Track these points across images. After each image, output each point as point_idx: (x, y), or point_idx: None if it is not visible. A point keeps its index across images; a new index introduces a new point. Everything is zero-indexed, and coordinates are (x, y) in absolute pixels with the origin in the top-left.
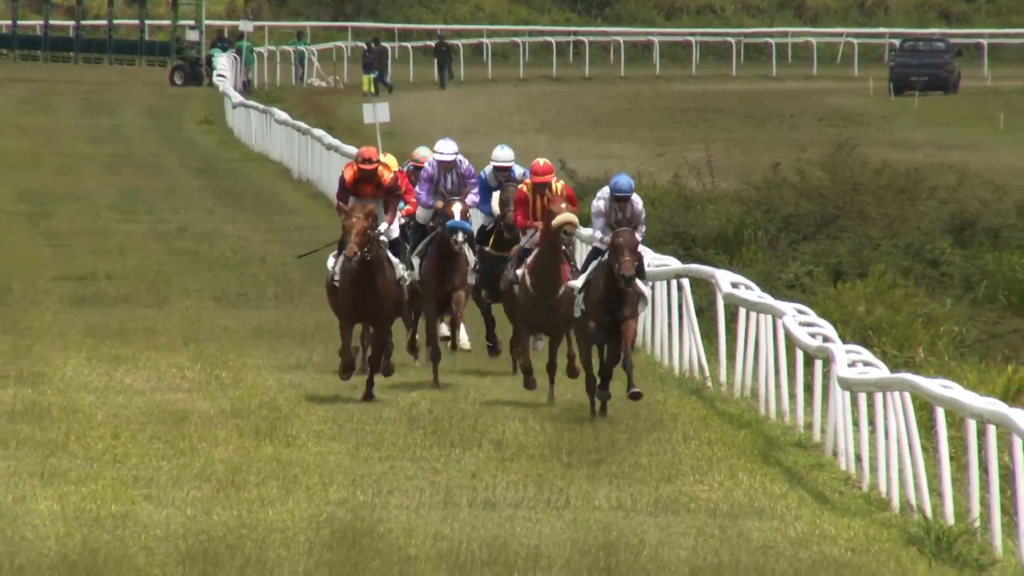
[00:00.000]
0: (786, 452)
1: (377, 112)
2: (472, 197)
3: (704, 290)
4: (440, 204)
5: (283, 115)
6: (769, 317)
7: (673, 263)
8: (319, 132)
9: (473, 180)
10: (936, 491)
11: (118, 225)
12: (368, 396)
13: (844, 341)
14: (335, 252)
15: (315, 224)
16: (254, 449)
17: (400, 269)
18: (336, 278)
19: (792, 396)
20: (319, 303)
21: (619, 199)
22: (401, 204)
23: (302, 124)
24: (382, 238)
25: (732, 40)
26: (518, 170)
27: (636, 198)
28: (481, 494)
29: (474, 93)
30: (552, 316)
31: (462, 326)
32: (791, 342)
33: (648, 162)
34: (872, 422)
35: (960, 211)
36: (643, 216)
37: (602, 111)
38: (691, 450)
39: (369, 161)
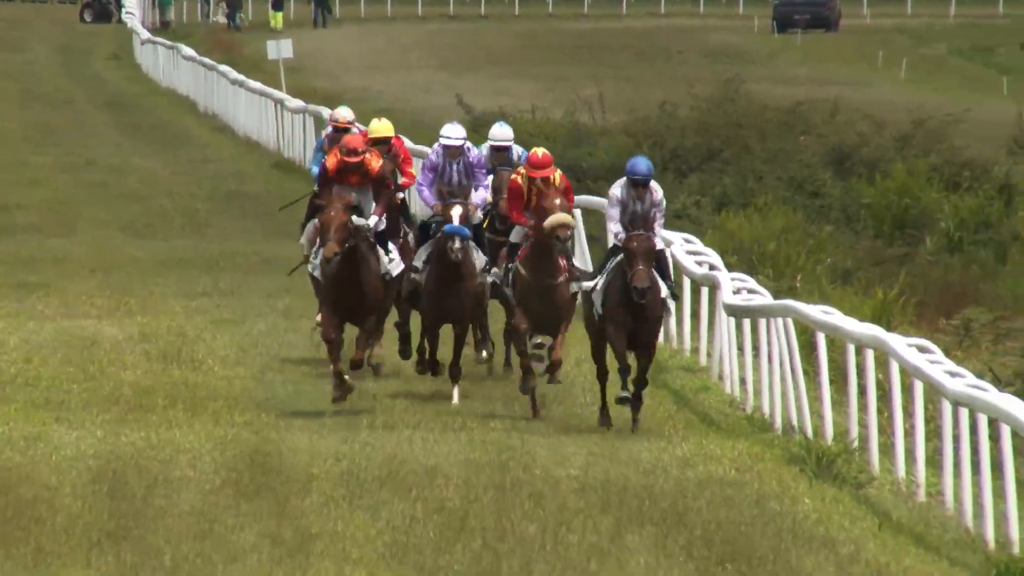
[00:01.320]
0: (673, 375)
1: (281, 48)
2: (478, 196)
3: (596, 219)
4: (439, 207)
5: (190, 51)
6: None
7: None
8: (224, 68)
9: (482, 170)
10: (817, 413)
11: (28, 158)
12: (339, 391)
13: (729, 269)
14: (315, 243)
15: (220, 157)
16: (162, 373)
17: (386, 263)
18: (316, 272)
19: (679, 321)
20: (224, 233)
21: (636, 183)
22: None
23: (208, 60)
24: (367, 224)
25: None
26: (516, 150)
27: (655, 185)
28: (380, 417)
29: (374, 30)
30: (551, 306)
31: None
32: (679, 270)
33: (541, 98)
34: (756, 347)
35: (839, 144)
36: (663, 206)
37: (498, 49)
38: (582, 374)
39: (355, 152)
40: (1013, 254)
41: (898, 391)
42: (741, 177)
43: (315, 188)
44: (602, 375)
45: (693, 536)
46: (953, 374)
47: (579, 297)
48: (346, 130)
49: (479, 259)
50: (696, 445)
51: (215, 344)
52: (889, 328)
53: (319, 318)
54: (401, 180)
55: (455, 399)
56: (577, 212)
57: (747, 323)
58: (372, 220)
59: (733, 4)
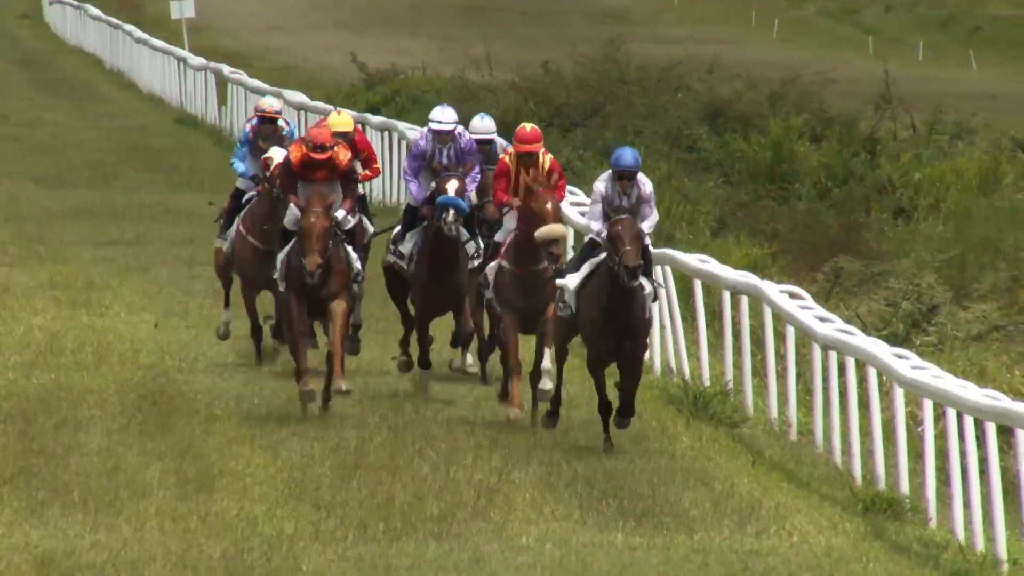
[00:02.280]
0: None
1: (183, 8)
2: (472, 180)
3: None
4: (427, 212)
5: (96, 11)
6: None
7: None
8: (129, 27)
9: (474, 157)
10: (694, 356)
11: None
12: (326, 398)
13: None
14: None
15: (126, 112)
16: (70, 318)
17: (354, 261)
18: (282, 282)
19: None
20: (130, 185)
21: (622, 176)
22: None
23: (113, 19)
24: (336, 219)
25: None
26: (500, 143)
27: (644, 179)
28: (280, 360)
29: None
30: (538, 295)
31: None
32: (564, 221)
33: (433, 57)
34: None
35: (713, 100)
36: (652, 201)
37: (393, 8)
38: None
39: (322, 148)
40: (876, 203)
41: (771, 336)
42: (622, 131)
43: (238, 185)
44: (603, 407)
45: (576, 473)
46: (823, 319)
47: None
48: (272, 121)
49: (470, 246)
50: (579, 387)
51: (121, 291)
52: (763, 276)
53: (223, 316)
54: (363, 173)
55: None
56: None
57: None
58: (340, 214)
59: None
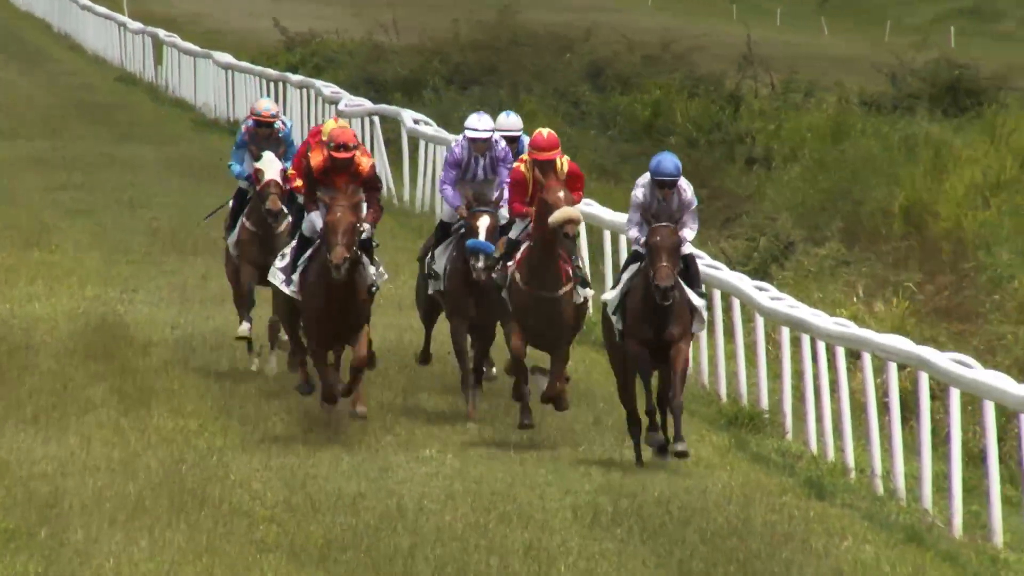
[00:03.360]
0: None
1: None
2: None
3: (392, 126)
4: (464, 211)
5: None
6: (443, 147)
7: (366, 104)
8: None
9: (508, 165)
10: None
11: None
12: (356, 413)
13: None
14: (290, 258)
15: (72, 71)
16: (24, 255)
17: (372, 273)
18: (294, 288)
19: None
20: (77, 136)
21: (662, 184)
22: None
23: None
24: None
25: None
26: (527, 140)
27: (685, 184)
28: (211, 292)
29: None
30: (551, 322)
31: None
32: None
33: (347, 22)
34: None
35: (595, 60)
36: (693, 207)
37: None
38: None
39: (344, 147)
40: (739, 152)
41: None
42: (514, 88)
43: (240, 186)
44: (634, 424)
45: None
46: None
47: (588, 307)
48: (268, 124)
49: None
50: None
51: (70, 231)
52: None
53: (244, 328)
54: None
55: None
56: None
57: None
58: (367, 227)
59: None
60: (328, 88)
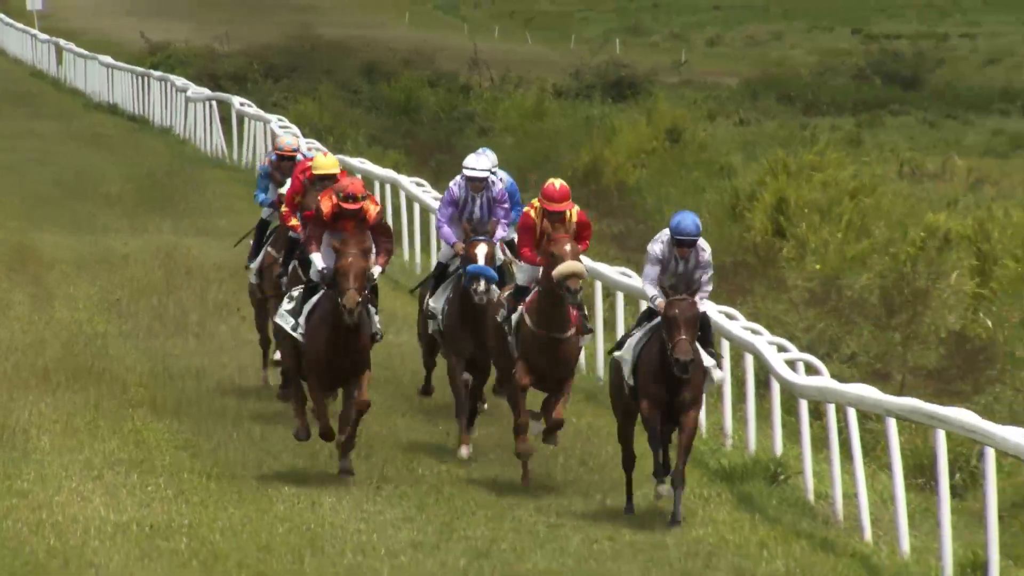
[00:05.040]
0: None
1: (35, 2)
2: (502, 231)
3: (225, 108)
4: (460, 247)
5: None
6: (261, 123)
7: (206, 92)
8: (1, 15)
9: (507, 205)
10: None
11: None
12: (345, 468)
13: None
14: (298, 301)
15: (2, 69)
16: None
17: (376, 320)
18: (301, 330)
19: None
20: (4, 114)
21: (681, 243)
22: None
23: None
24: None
25: None
26: (502, 177)
27: (703, 244)
28: (100, 225)
29: None
30: (556, 362)
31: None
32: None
33: (194, 34)
34: None
35: (368, 62)
36: (710, 270)
37: (171, 3)
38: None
39: (353, 198)
40: (469, 127)
41: (417, 226)
42: (311, 82)
43: (262, 216)
44: (628, 461)
45: None
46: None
47: (582, 356)
48: (291, 158)
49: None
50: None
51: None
52: (400, 172)
53: (277, 356)
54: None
55: (465, 453)
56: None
57: None
58: (376, 269)
59: None
60: (180, 81)
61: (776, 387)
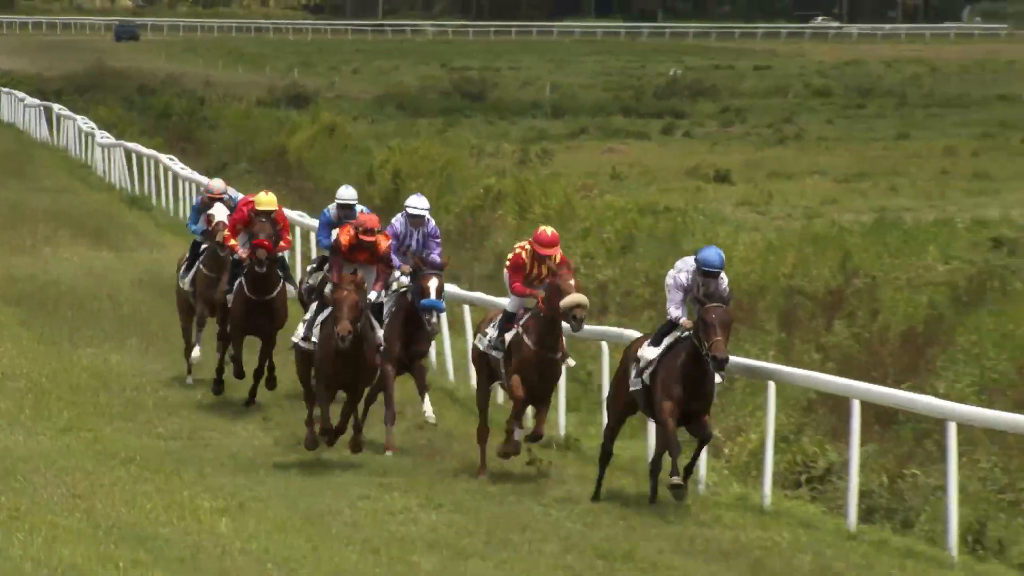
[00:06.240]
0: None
1: None
2: (436, 258)
3: (48, 112)
4: (408, 268)
5: None
6: (72, 121)
7: (37, 101)
8: None
9: (438, 239)
10: None
11: None
12: (312, 443)
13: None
14: (311, 317)
15: None
16: None
17: (380, 334)
18: (313, 340)
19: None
20: None
21: (707, 274)
22: (235, 236)
23: None
24: (370, 298)
25: None
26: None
27: (723, 275)
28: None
29: None
30: (545, 377)
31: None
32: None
33: (29, 66)
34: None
35: (140, 82)
36: (729, 296)
37: (31, 45)
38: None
39: (371, 232)
40: (207, 123)
41: (169, 186)
42: (103, 95)
43: (196, 239)
44: (605, 456)
45: None
46: None
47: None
48: (219, 199)
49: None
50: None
51: None
52: (160, 151)
53: (195, 355)
54: (280, 244)
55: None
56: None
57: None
58: (372, 295)
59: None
60: (19, 94)
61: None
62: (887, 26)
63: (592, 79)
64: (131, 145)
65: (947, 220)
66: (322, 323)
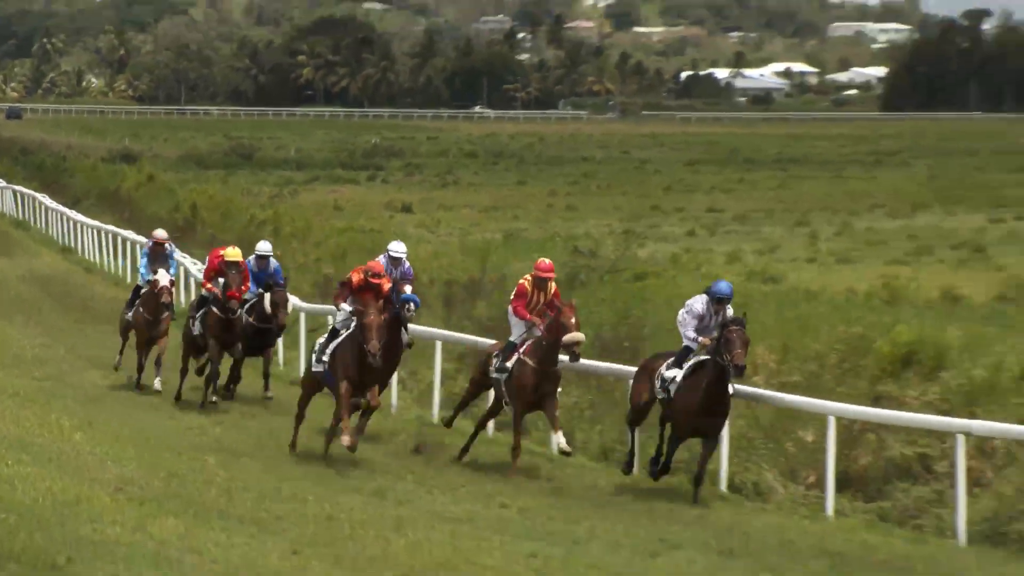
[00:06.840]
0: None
1: None
2: (409, 290)
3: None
4: (412, 308)
5: None
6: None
7: None
8: None
9: (411, 277)
10: None
11: None
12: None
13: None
14: (322, 343)
15: None
16: None
17: (405, 339)
18: (325, 364)
19: None
20: None
21: (720, 301)
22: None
23: None
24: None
25: None
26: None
27: (729, 305)
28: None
29: None
30: (550, 383)
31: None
32: None
33: None
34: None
35: (23, 146)
36: (744, 321)
37: None
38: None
39: (379, 276)
40: (64, 172)
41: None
42: (3, 161)
43: (138, 283)
44: (635, 420)
45: None
46: None
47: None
48: (161, 245)
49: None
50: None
51: None
52: (27, 187)
53: (118, 360)
54: (242, 288)
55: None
56: None
57: None
58: (405, 337)
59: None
60: None
61: None
62: (511, 112)
63: (322, 144)
64: (17, 187)
65: (551, 236)
66: (335, 348)
